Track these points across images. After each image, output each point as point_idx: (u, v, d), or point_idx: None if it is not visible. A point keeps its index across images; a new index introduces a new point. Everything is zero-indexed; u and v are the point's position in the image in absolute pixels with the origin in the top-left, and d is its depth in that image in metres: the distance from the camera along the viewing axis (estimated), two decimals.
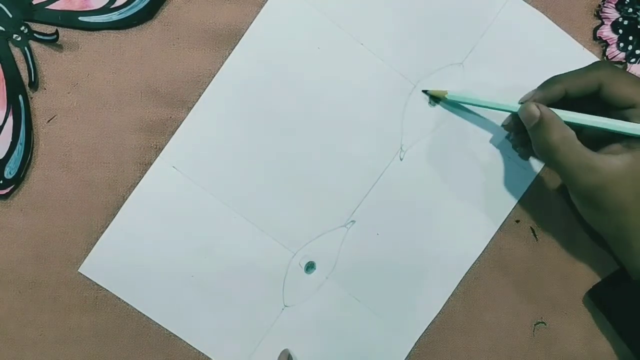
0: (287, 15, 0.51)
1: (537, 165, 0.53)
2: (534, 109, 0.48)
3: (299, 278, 0.53)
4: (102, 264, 0.51)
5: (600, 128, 0.48)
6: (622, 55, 0.53)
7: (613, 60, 0.53)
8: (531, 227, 0.54)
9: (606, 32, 0.53)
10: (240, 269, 0.52)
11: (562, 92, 0.48)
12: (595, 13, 0.53)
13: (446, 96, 0.51)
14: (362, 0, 0.51)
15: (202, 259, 0.52)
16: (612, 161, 0.46)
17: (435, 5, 0.52)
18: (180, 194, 0.51)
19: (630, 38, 0.53)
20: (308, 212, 0.52)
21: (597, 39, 0.53)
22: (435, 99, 0.52)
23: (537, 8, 0.53)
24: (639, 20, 0.53)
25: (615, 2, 0.53)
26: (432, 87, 0.52)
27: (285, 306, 0.53)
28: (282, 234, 0.52)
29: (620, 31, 0.53)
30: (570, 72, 0.49)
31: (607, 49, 0.53)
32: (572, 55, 0.53)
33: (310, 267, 0.53)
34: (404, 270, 0.53)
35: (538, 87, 0.49)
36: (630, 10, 0.53)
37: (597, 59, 0.53)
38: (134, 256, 0.51)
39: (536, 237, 0.54)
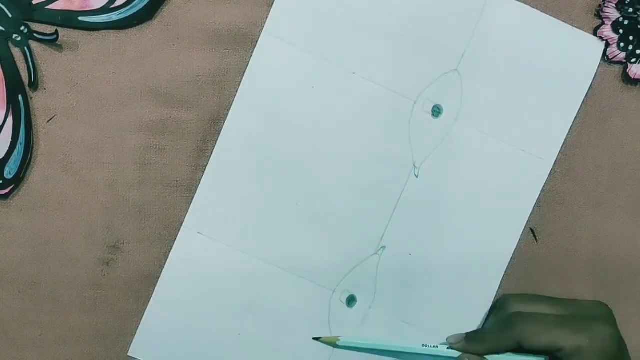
0: (275, 63, 0.51)
1: (550, 157, 0.53)
2: None
3: (343, 314, 0.53)
4: (150, 343, 0.52)
5: None
6: (622, 55, 0.53)
7: (613, 60, 0.53)
8: (531, 228, 0.54)
9: (607, 32, 0.53)
10: (284, 318, 0.52)
11: (486, 351, 0.49)
12: (596, 13, 0.53)
13: (337, 342, 0.52)
14: (342, 29, 0.51)
15: (245, 317, 0.52)
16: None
17: (418, 18, 0.51)
18: (211, 257, 0.52)
19: (631, 38, 0.53)
20: (338, 247, 0.52)
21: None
22: (437, 111, 0.52)
23: (537, 8, 0.53)
24: (639, 19, 0.53)
25: (615, 2, 0.53)
26: (434, 99, 0.52)
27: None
28: (317, 274, 0.52)
29: (621, 31, 0.53)
30: (491, 330, 0.50)
31: (608, 49, 0.53)
32: (564, 37, 0.52)
33: (351, 300, 0.53)
34: (442, 284, 0.53)
35: (465, 337, 0.51)
36: (631, 10, 0.53)
37: (593, 37, 0.53)
38: (179, 328, 0.52)
39: (536, 238, 0.54)
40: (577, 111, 0.53)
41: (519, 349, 0.49)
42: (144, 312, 0.52)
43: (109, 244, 0.52)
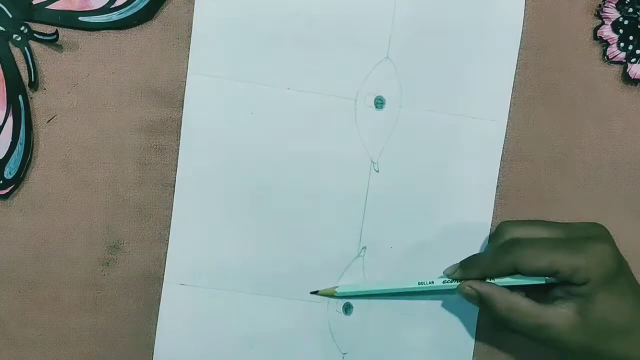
0: (208, 101, 0.51)
1: (502, 117, 0.53)
2: (469, 289, 0.49)
3: (344, 322, 0.53)
4: None
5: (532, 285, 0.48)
6: (622, 55, 0.53)
7: (613, 60, 0.53)
8: None
9: (606, 32, 0.53)
10: (287, 344, 0.52)
11: (481, 276, 0.49)
12: (596, 13, 0.53)
13: (335, 293, 0.52)
14: (265, 49, 0.51)
15: (248, 352, 0.52)
16: (562, 311, 0.47)
17: (335, 18, 0.51)
18: (199, 304, 0.52)
19: (631, 38, 0.53)
20: (320, 260, 0.52)
21: (597, 38, 0.53)
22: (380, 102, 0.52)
23: (536, 8, 0.53)
24: (639, 20, 0.53)
25: (615, 2, 0.53)
26: (373, 92, 0.52)
27: (344, 354, 0.53)
28: (308, 292, 0.52)
29: (621, 31, 0.53)
30: (486, 255, 0.50)
31: (608, 49, 0.53)
32: None
33: (348, 307, 0.53)
34: (431, 267, 0.52)
35: (460, 264, 0.50)
36: (631, 10, 0.53)
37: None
38: None
39: None
40: (515, 64, 0.53)
41: (515, 274, 0.48)
42: (142, 313, 0.52)
43: (109, 244, 0.52)
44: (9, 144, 0.50)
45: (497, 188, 0.53)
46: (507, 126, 0.53)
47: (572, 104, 0.54)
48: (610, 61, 0.53)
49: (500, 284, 0.49)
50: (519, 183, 0.54)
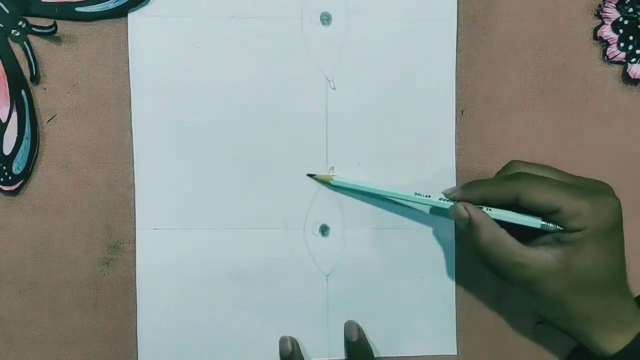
0: (153, 39, 0.50)
1: (451, 16, 0.52)
2: (463, 211, 0.48)
3: (322, 244, 0.52)
4: (154, 345, 0.52)
5: (526, 226, 0.48)
6: (622, 55, 0.53)
7: (613, 60, 0.53)
8: None
9: (606, 31, 0.53)
10: (269, 273, 0.52)
11: (481, 199, 0.48)
12: (596, 13, 0.53)
13: (331, 181, 0.52)
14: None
15: (233, 285, 0.52)
16: (543, 255, 0.47)
17: None
18: (177, 247, 0.52)
19: (631, 38, 0.53)
20: (291, 186, 0.52)
21: (597, 38, 0.53)
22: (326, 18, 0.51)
23: (537, 7, 0.53)
24: (639, 19, 0.53)
25: (615, 2, 0.53)
26: (318, 8, 0.51)
27: (327, 275, 0.53)
28: (283, 219, 0.52)
29: (621, 31, 0.53)
30: (491, 180, 0.50)
31: (608, 49, 0.53)
32: None
33: (324, 229, 0.53)
34: (402, 172, 0.53)
35: (461, 186, 0.50)
36: (631, 10, 0.53)
37: None
38: (174, 328, 0.52)
39: None
40: None
41: (514, 208, 0.48)
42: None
43: (109, 244, 0.52)
44: (15, 139, 0.50)
45: None
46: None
47: (572, 104, 0.54)
48: (610, 61, 0.53)
49: (494, 217, 0.48)
50: None
